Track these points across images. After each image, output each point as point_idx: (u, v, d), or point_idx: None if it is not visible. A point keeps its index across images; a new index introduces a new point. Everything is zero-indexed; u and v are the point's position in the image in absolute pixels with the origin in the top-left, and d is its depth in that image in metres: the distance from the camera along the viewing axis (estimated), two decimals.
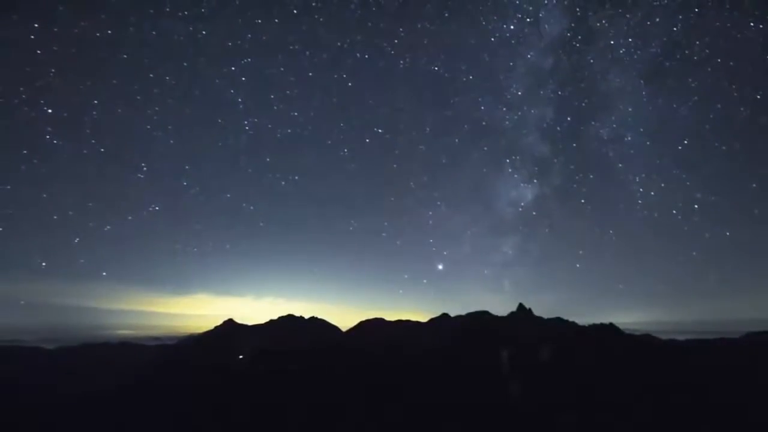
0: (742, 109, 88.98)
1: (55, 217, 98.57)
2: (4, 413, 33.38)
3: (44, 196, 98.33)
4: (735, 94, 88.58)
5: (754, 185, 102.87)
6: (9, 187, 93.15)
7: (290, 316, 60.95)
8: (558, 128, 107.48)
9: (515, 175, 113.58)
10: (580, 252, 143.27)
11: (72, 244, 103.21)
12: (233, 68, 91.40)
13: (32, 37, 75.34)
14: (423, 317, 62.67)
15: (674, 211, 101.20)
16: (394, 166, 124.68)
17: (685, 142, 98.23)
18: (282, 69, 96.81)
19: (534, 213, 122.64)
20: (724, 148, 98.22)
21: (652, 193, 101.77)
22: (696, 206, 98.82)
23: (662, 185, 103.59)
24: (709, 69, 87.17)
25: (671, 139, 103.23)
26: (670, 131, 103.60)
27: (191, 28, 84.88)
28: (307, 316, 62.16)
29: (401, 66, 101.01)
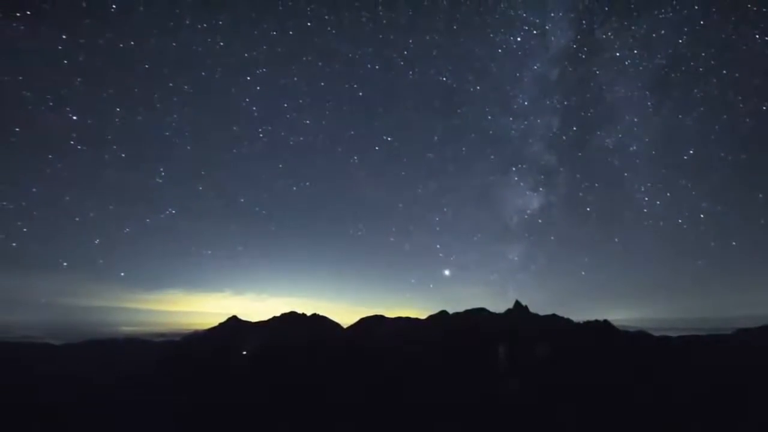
0: (747, 120, 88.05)
1: (77, 219, 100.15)
2: (12, 408, 33.24)
3: (67, 198, 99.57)
4: (741, 105, 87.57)
5: (761, 195, 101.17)
6: (34, 189, 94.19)
7: (292, 313, 60.89)
8: (564, 137, 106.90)
9: (521, 183, 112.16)
10: (586, 260, 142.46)
11: (92, 245, 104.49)
12: (248, 78, 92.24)
13: (59, 47, 77.00)
14: (422, 314, 62.61)
15: (680, 221, 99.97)
16: (403, 173, 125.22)
17: (691, 152, 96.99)
18: (295, 79, 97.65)
19: (540, 221, 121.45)
20: (729, 158, 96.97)
21: (658, 203, 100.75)
22: (702, 216, 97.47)
23: (668, 195, 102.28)
24: (715, 80, 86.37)
25: (677, 149, 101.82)
26: (675, 141, 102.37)
27: (209, 40, 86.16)
28: (308, 314, 62.19)
29: (410, 76, 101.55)
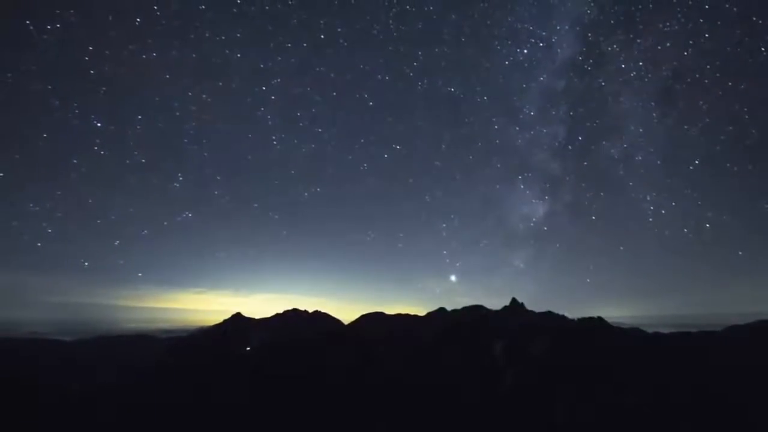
0: (753, 131, 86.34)
1: (98, 221, 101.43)
2: (19, 403, 32.86)
3: (90, 201, 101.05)
4: (746, 116, 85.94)
5: (767, 205, 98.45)
6: (59, 192, 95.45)
7: (294, 310, 60.42)
8: (569, 147, 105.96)
9: (527, 192, 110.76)
10: (590, 267, 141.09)
11: (113, 246, 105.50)
12: (264, 88, 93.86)
13: (86, 58, 78.64)
14: (421, 312, 62.12)
15: (685, 230, 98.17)
16: (411, 180, 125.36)
17: (696, 162, 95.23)
18: (308, 89, 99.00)
19: (545, 228, 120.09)
20: (735, 168, 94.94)
21: (663, 212, 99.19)
22: (707, 225, 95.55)
23: (673, 204, 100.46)
24: (720, 92, 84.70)
25: (682, 159, 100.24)
26: (681, 152, 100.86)
27: (227, 52, 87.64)
28: (310, 310, 61.67)
29: (419, 87, 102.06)
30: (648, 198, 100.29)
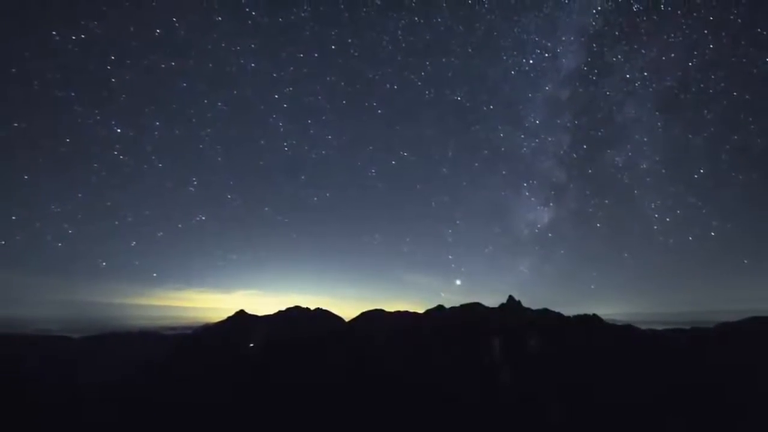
0: (759, 140, 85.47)
1: (116, 223, 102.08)
2: (28, 400, 32.57)
3: (108, 204, 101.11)
4: (752, 126, 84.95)
5: None
6: (80, 194, 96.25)
7: (297, 308, 60.14)
8: (574, 155, 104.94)
9: (532, 198, 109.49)
10: (594, 274, 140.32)
11: (129, 246, 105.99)
12: (276, 96, 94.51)
13: (108, 67, 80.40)
14: (420, 309, 61.83)
15: (690, 238, 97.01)
16: (418, 186, 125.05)
17: (701, 171, 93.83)
18: (319, 97, 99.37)
19: (550, 235, 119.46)
20: (741, 177, 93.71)
21: (668, 220, 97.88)
22: (712, 233, 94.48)
23: (678, 212, 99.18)
24: (725, 102, 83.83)
25: (687, 168, 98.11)
26: (685, 160, 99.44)
27: (242, 61, 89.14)
28: (312, 308, 61.32)
29: (427, 96, 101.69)
30: (653, 206, 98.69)
